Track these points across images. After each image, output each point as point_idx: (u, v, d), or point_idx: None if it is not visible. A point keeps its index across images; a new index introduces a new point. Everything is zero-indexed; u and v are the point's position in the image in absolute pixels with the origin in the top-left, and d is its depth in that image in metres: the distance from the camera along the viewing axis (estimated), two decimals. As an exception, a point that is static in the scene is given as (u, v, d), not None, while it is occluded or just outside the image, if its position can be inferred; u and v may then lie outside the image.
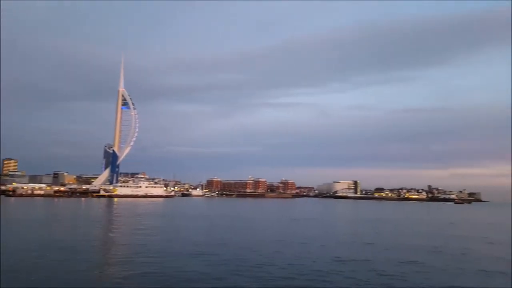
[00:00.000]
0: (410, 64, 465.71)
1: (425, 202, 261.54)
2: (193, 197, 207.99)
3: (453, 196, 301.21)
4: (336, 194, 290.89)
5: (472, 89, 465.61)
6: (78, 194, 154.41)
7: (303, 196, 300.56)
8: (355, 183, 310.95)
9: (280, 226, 54.33)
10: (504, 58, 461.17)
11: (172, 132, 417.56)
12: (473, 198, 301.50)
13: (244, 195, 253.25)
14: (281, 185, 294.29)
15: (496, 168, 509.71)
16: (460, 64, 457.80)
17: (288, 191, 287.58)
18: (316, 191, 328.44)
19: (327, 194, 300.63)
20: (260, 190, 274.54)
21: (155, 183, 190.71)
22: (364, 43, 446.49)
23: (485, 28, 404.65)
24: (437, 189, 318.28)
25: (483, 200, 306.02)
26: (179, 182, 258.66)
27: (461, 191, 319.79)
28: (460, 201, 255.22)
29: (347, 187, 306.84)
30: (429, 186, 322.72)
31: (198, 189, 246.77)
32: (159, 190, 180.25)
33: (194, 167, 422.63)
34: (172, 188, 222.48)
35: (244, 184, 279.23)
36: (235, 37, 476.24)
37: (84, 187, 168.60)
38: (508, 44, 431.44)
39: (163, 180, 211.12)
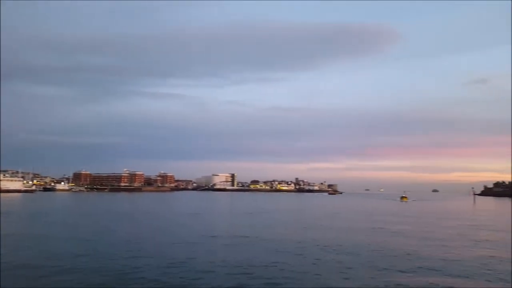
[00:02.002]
0: (281, 66, 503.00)
1: (294, 193, 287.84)
2: (58, 192, 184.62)
3: (316, 188, 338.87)
4: (215, 187, 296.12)
5: (331, 93, 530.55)
6: None
7: (182, 189, 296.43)
8: (233, 176, 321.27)
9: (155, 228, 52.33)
10: (358, 68, 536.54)
11: (28, 117, 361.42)
12: (331, 189, 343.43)
13: (119, 190, 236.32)
14: (159, 178, 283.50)
15: (345, 163, 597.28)
16: (323, 70, 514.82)
17: (167, 185, 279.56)
18: (195, 184, 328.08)
19: (206, 187, 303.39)
20: (136, 184, 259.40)
21: (11, 175, 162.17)
22: (242, 42, 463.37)
23: (344, 40, 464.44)
24: (302, 181, 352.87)
25: (339, 191, 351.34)
26: (38, 175, 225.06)
27: (322, 183, 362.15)
28: (333, 192, 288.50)
29: (225, 179, 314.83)
30: (296, 179, 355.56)
31: (62, 183, 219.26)
32: (17, 184, 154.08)
33: (56, 159, 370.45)
34: (31, 182, 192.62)
35: (118, 178, 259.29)
36: (108, 19, 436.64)
37: None
38: (362, 56, 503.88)
39: (21, 172, 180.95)
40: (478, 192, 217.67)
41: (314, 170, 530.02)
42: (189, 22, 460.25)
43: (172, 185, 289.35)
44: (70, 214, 60.84)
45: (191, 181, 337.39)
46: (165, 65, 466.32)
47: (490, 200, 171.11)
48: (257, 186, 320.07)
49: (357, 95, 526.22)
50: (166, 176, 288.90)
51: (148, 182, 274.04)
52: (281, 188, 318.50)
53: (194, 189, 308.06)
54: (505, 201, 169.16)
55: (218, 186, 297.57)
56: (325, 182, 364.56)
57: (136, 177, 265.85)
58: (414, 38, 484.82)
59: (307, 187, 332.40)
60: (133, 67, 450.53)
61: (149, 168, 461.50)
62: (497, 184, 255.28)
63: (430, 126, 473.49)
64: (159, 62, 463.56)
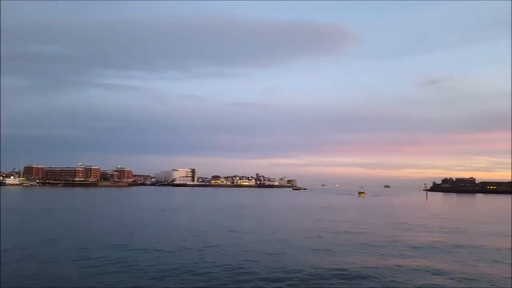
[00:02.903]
0: (242, 62, 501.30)
1: (255, 188, 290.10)
2: (8, 187, 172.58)
3: (276, 183, 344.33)
4: (175, 182, 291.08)
5: (292, 90, 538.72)
6: None
7: (139, 184, 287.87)
8: (193, 171, 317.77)
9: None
10: (318, 66, 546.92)
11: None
12: (291, 184, 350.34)
13: (73, 185, 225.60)
14: (116, 173, 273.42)
15: (304, 159, 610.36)
16: (284, 67, 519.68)
17: (124, 180, 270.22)
18: (153, 179, 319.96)
19: (165, 182, 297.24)
20: (92, 179, 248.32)
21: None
22: (203, 36, 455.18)
23: (305, 38, 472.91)
24: (263, 176, 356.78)
25: (300, 186, 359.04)
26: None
27: (281, 179, 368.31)
28: (297, 188, 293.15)
29: (185, 175, 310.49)
30: (257, 174, 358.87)
31: (12, 177, 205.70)
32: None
33: (5, 151, 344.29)
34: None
35: (72, 172, 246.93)
36: (61, 6, 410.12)
37: None
38: (323, 54, 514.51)
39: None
40: (428, 188, 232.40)
41: (274, 165, 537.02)
42: (148, 13, 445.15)
43: (130, 180, 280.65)
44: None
45: (149, 176, 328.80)
46: (121, 56, 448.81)
47: (439, 195, 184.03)
48: (218, 181, 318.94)
49: (317, 93, 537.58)
50: (123, 170, 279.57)
51: (105, 177, 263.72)
52: (242, 183, 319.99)
53: (152, 184, 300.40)
54: (452, 196, 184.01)
55: (178, 182, 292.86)
56: (284, 177, 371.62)
57: (92, 172, 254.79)
58: (373, 39, 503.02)
59: (267, 183, 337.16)
60: (86, 57, 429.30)
61: (105, 163, 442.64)
62: (445, 181, 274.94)
63: (384, 124, 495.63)
64: (114, 52, 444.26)
